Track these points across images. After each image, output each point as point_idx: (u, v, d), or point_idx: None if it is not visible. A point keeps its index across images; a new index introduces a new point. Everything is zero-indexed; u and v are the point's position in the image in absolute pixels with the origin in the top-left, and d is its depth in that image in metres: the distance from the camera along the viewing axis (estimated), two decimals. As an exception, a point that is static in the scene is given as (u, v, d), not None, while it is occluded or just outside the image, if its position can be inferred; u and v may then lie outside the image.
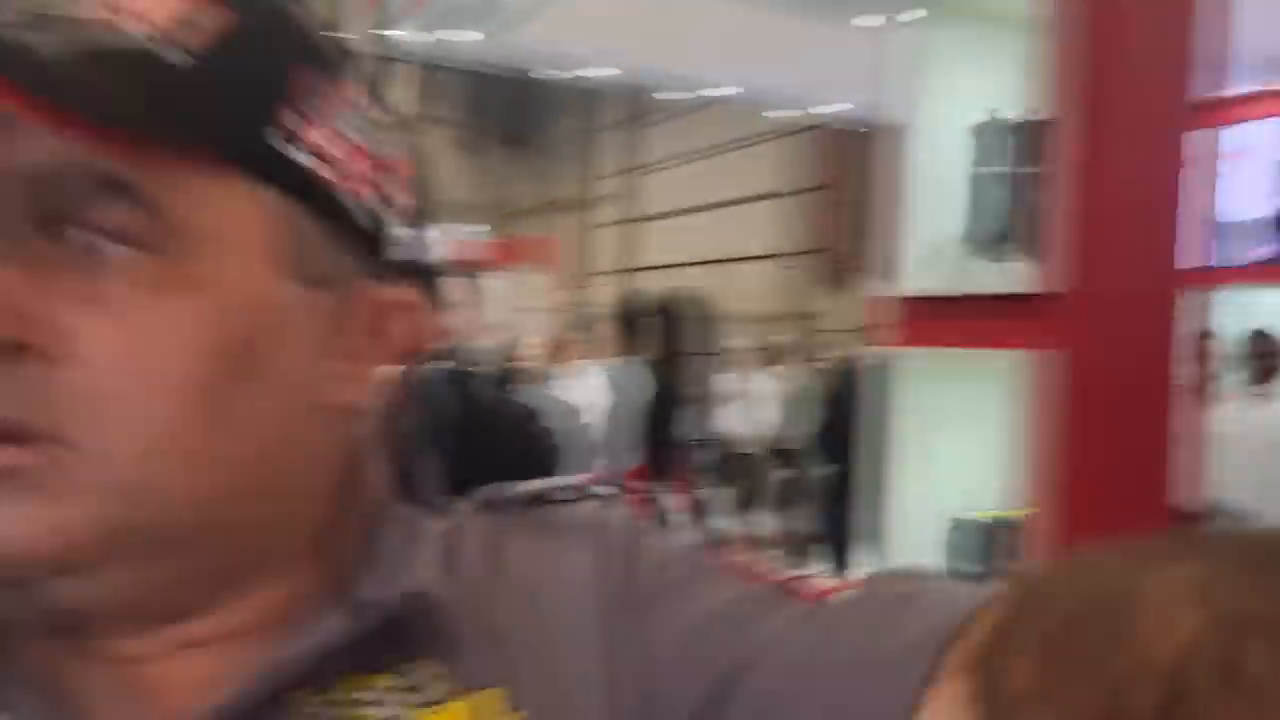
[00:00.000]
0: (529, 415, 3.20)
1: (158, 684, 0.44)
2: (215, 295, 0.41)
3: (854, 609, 0.46)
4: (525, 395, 3.39)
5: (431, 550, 0.48)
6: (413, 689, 0.45)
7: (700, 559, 0.51)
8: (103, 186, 0.39)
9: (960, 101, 2.12)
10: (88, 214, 0.39)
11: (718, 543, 0.66)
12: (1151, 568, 0.30)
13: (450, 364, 2.99)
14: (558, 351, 5.18)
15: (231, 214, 0.42)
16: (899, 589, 0.47)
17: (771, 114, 11.35)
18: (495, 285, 13.81)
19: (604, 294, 17.30)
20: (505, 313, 12.13)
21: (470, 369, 3.22)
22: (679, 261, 15.68)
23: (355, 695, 0.44)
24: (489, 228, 16.82)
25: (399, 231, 0.47)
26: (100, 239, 0.39)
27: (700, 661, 0.46)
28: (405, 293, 0.47)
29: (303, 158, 0.43)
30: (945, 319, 2.07)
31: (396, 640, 0.45)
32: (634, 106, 17.21)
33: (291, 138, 0.43)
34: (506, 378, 3.64)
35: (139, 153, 0.38)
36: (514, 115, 19.51)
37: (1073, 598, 0.30)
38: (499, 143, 20.15)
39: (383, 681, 0.45)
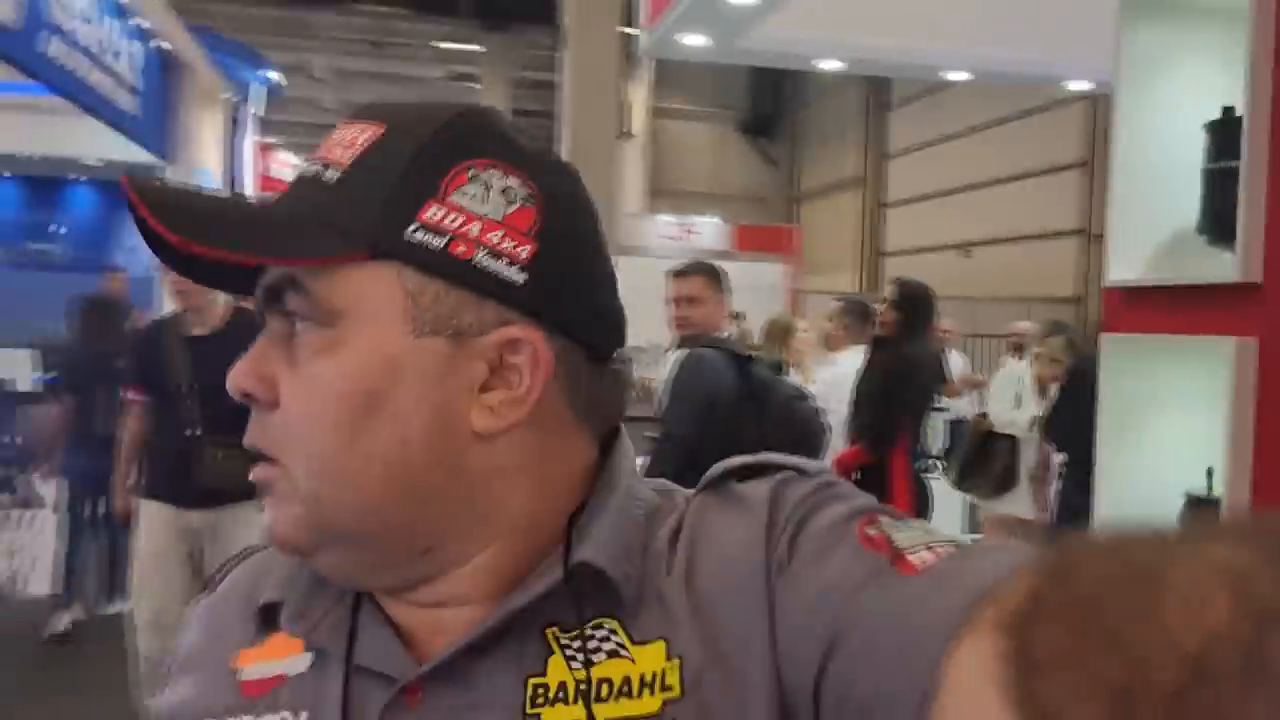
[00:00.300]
0: (799, 395, 3.41)
1: (434, 627, 0.59)
2: (350, 354, 0.56)
3: (924, 577, 0.49)
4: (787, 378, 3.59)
5: (627, 524, 0.59)
6: (602, 640, 0.55)
7: (845, 531, 0.54)
8: (291, 284, 0.57)
9: (1192, 93, 2.11)
10: (286, 303, 0.58)
11: (880, 512, 0.66)
12: (1185, 550, 0.30)
13: (726, 348, 3.27)
14: (798, 337, 5.33)
15: (370, 292, 0.57)
16: (967, 554, 0.50)
17: (1020, 90, 10.89)
18: (739, 272, 14.03)
19: (850, 280, 17.17)
20: (750, 299, 12.32)
21: (746, 353, 3.46)
22: (929, 245, 15.30)
23: (566, 640, 0.56)
24: (732, 215, 17.08)
25: (520, 276, 0.58)
26: (292, 318, 0.58)
27: (815, 628, 0.51)
28: (524, 330, 0.58)
29: (435, 240, 0.57)
30: (1174, 306, 2.09)
31: (590, 598, 0.56)
32: (879, 91, 16.89)
33: (425, 228, 0.57)
34: (778, 362, 3.83)
35: (317, 263, 0.57)
36: (759, 104, 19.64)
37: (1105, 570, 0.31)
38: (743, 132, 20.35)
39: (586, 632, 0.56)
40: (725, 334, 3.42)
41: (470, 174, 0.58)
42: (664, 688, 0.53)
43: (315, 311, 0.56)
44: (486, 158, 0.59)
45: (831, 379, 4.63)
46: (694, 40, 5.77)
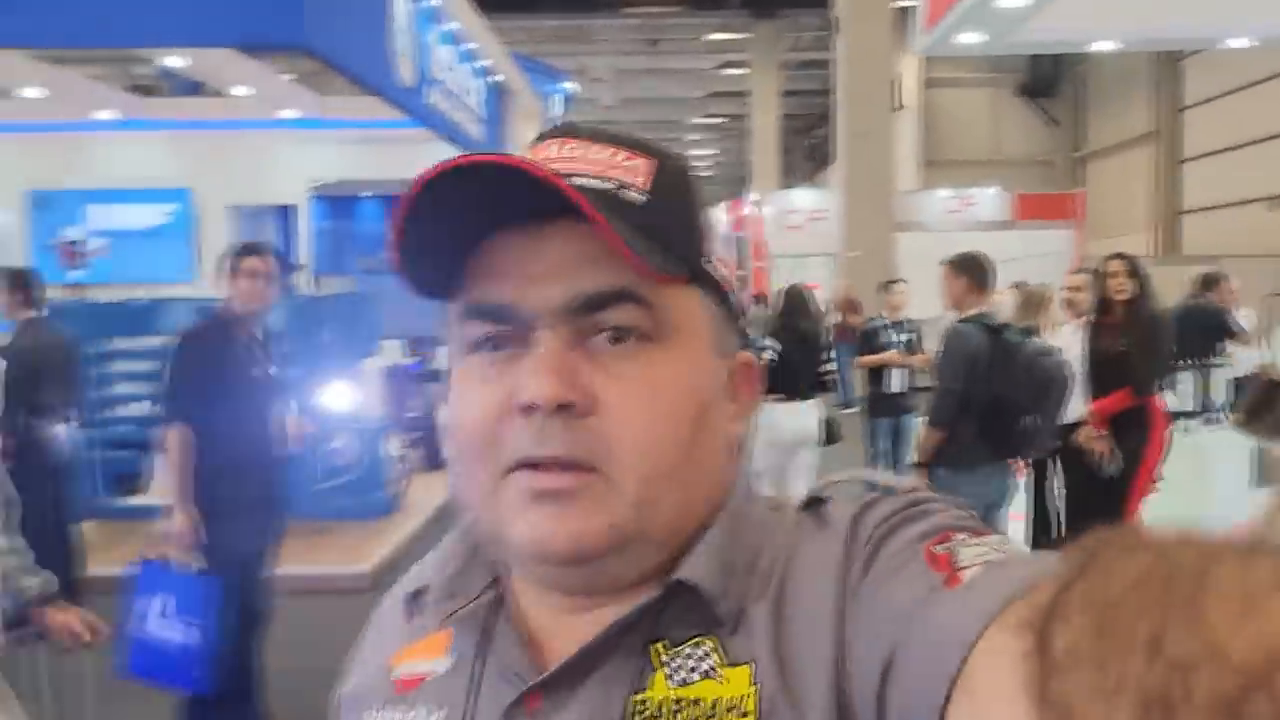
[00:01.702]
0: (1043, 352, 4.24)
1: (564, 631, 0.62)
2: (689, 368, 0.61)
3: (964, 586, 0.50)
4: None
5: (735, 544, 0.62)
6: (700, 659, 0.58)
7: (914, 552, 0.55)
8: (625, 298, 0.60)
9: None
10: (612, 314, 0.60)
11: (957, 529, 0.50)
12: (1227, 557, 0.30)
13: (980, 321, 4.20)
14: (1046, 304, 5.93)
15: (692, 313, 0.63)
16: (1010, 562, 0.52)
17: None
18: (1021, 241, 14.16)
19: (1144, 241, 16.67)
20: (1033, 268, 12.49)
21: (1001, 322, 4.35)
22: (1232, 200, 14.65)
23: (667, 657, 0.59)
24: (1012, 182, 17.01)
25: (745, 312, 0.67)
26: (616, 330, 0.60)
27: (878, 650, 0.52)
28: (748, 355, 0.68)
29: (719, 273, 0.65)
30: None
31: (691, 615, 0.59)
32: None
33: (709, 257, 0.65)
34: (1027, 327, 4.62)
35: (644, 275, 0.59)
36: (1037, 63, 19.28)
37: (1139, 572, 0.31)
38: (1021, 94, 20.05)
39: (686, 649, 0.59)
40: (981, 309, 4.26)
41: (709, 216, 0.67)
42: (741, 713, 0.55)
43: (654, 326, 0.60)
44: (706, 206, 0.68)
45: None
46: (970, 38, 6.46)
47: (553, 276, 0.59)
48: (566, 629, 0.62)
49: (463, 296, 0.61)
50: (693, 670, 0.58)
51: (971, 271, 4.34)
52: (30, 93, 8.94)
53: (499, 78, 9.37)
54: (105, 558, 5.07)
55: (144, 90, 11.46)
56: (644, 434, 0.58)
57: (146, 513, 6.22)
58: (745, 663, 0.57)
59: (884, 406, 6.35)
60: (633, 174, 0.62)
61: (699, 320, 0.63)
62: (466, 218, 0.59)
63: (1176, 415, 5.86)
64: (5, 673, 2.14)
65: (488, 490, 0.60)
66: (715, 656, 0.58)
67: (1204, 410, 6.09)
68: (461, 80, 8.12)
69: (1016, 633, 0.35)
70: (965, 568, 0.51)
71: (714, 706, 0.56)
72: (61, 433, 4.56)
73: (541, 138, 0.65)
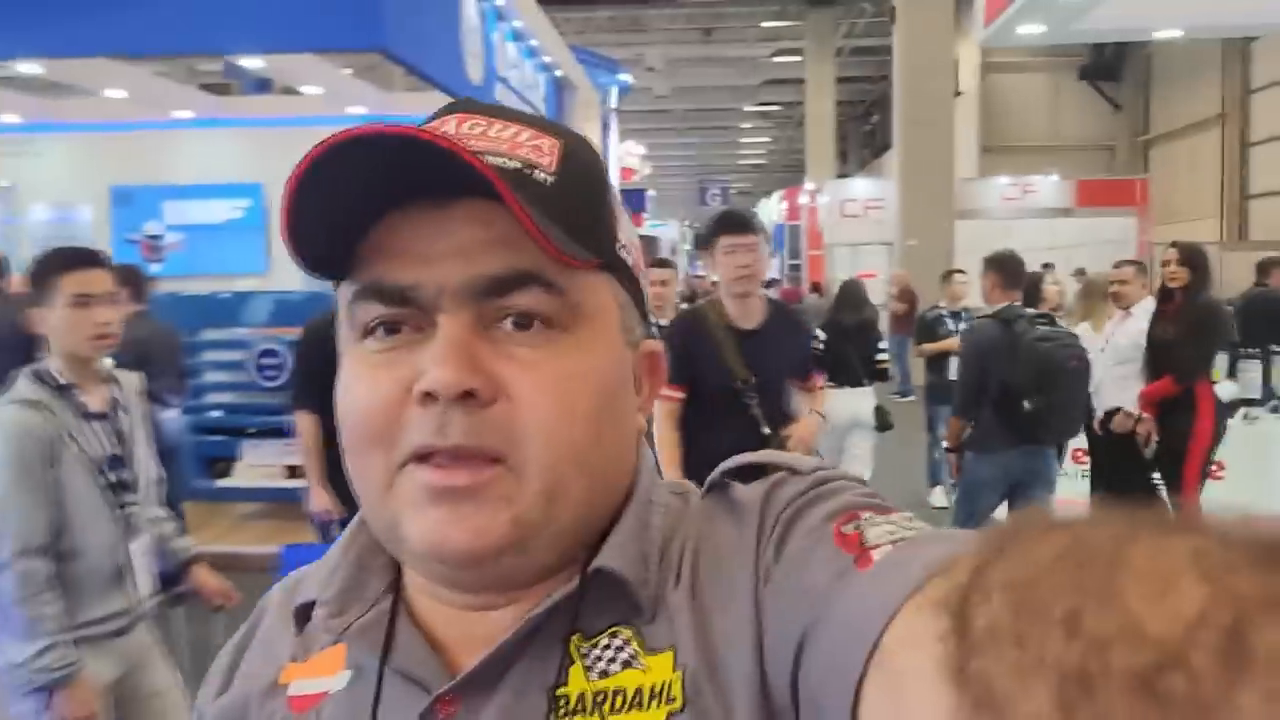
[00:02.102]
0: (1043, 339, 4.44)
1: (466, 633, 0.60)
2: (599, 355, 0.60)
3: (875, 568, 0.50)
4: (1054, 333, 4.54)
5: (647, 530, 0.61)
6: (618, 649, 0.58)
7: (824, 532, 0.55)
8: (533, 282, 0.57)
9: None
10: (518, 299, 0.57)
11: (863, 508, 0.50)
12: (1143, 536, 0.30)
13: (996, 315, 4.39)
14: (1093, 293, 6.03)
15: (602, 300, 0.61)
16: (922, 541, 0.51)
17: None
18: (1081, 229, 14.08)
19: (1212, 227, 16.44)
20: (1093, 256, 12.45)
21: (1020, 315, 4.53)
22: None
23: (585, 649, 0.58)
24: (1073, 167, 16.84)
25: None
26: (522, 315, 0.57)
27: (791, 633, 0.52)
28: (654, 344, 0.67)
29: (628, 258, 0.64)
30: None
31: (608, 608, 0.58)
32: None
33: (623, 246, 0.63)
34: (1035, 316, 4.76)
35: (558, 260, 0.56)
36: (1102, 52, 19.05)
37: (1055, 550, 0.31)
38: (1083, 77, 19.81)
39: (602, 640, 0.58)
40: (1010, 303, 4.58)
41: (618, 199, 0.66)
42: (668, 699, 0.55)
43: (563, 311, 0.58)
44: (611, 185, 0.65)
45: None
46: (1030, 29, 6.54)
47: (456, 257, 0.56)
48: (471, 628, 0.60)
49: (356, 276, 0.58)
50: (612, 661, 0.57)
51: (1002, 268, 4.64)
52: (113, 94, 9.35)
53: (560, 72, 9.60)
54: (200, 536, 5.39)
55: (211, 89, 11.84)
56: (552, 422, 0.56)
57: (235, 494, 6.58)
58: (666, 649, 0.57)
59: (944, 394, 6.47)
60: (539, 154, 0.60)
61: (608, 307, 0.61)
62: (361, 193, 0.55)
63: (1241, 403, 5.91)
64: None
65: (382, 484, 0.57)
66: (634, 645, 0.57)
67: (1269, 398, 6.11)
68: (525, 76, 8.36)
69: (932, 612, 0.35)
70: (874, 546, 0.51)
71: (637, 694, 0.55)
72: (171, 418, 4.88)
73: (440, 113, 0.63)
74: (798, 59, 22.68)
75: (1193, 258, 4.73)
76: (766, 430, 3.33)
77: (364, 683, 0.60)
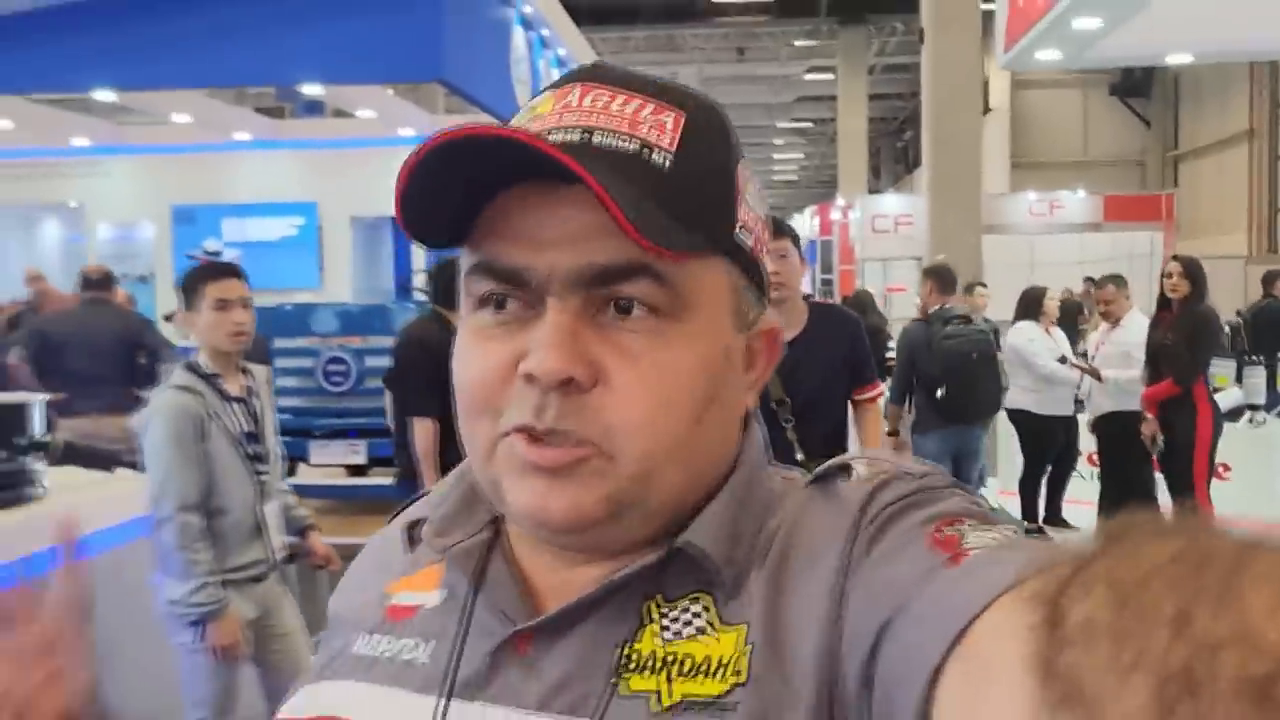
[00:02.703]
0: (948, 336, 5.30)
1: (557, 580, 0.63)
2: (705, 343, 0.60)
3: (964, 565, 0.50)
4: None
5: (744, 510, 0.62)
6: (692, 617, 0.59)
7: (920, 532, 0.55)
8: (641, 273, 0.57)
9: None
10: (626, 288, 0.58)
11: (968, 516, 0.51)
12: (1265, 549, 0.30)
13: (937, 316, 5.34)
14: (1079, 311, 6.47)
15: (711, 285, 0.61)
16: (1015, 544, 0.51)
17: None
18: (1109, 243, 14.35)
19: (1243, 241, 16.61)
20: (1121, 270, 12.70)
21: (940, 317, 5.37)
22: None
23: (661, 612, 0.60)
24: (1102, 183, 17.07)
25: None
26: (628, 304, 0.58)
27: (870, 624, 0.52)
28: (772, 322, 0.66)
29: (747, 241, 0.63)
30: None
31: (692, 577, 0.60)
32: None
33: (743, 228, 0.62)
34: (960, 315, 5.51)
35: (661, 256, 0.57)
36: (1131, 69, 19.29)
37: (1171, 553, 0.30)
38: (1113, 93, 20.07)
39: (681, 604, 0.60)
40: (944, 306, 5.51)
41: (748, 172, 0.64)
42: (734, 672, 0.56)
43: (669, 302, 0.58)
44: (742, 155, 0.64)
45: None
46: (1048, 55, 6.92)
47: (566, 244, 0.57)
48: (561, 579, 0.62)
49: (474, 250, 0.60)
50: (686, 625, 0.58)
51: (938, 276, 5.66)
52: (179, 119, 9.94)
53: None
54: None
55: (265, 112, 12.45)
56: (647, 414, 0.58)
57: (301, 491, 7.06)
58: (739, 624, 0.58)
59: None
60: (660, 131, 0.59)
61: (720, 294, 0.61)
62: (479, 173, 0.57)
63: (1246, 408, 6.25)
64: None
65: (486, 448, 0.60)
66: (709, 614, 0.59)
67: (1275, 404, 6.44)
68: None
69: (1026, 604, 0.34)
70: (971, 550, 0.51)
71: (705, 662, 0.57)
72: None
73: (566, 80, 0.63)
74: (830, 76, 23.09)
75: (1192, 271, 5.12)
76: (801, 457, 2.98)
77: (454, 605, 0.64)
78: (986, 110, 17.68)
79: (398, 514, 0.76)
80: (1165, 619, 0.28)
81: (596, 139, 0.58)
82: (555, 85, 0.63)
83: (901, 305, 14.72)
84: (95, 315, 5.18)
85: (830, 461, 0.64)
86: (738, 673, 0.56)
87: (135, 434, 2.64)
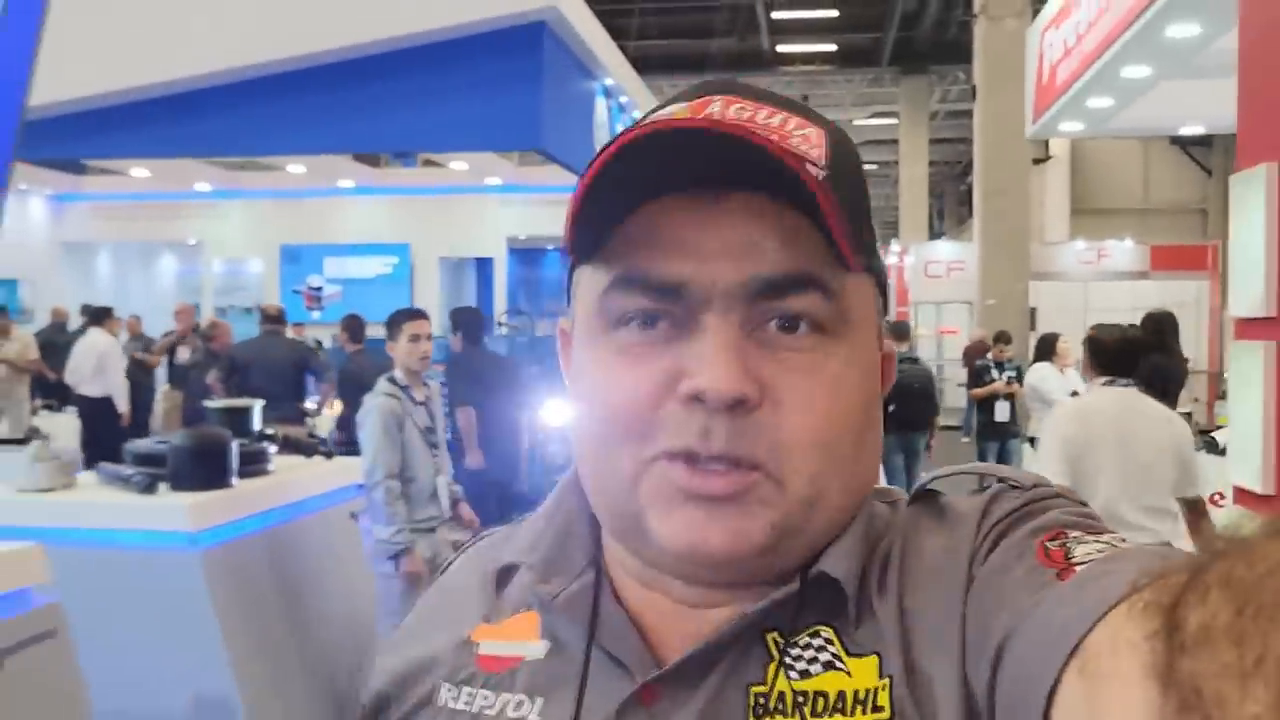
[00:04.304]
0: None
1: (672, 621, 0.61)
2: (863, 361, 0.59)
3: (1075, 579, 0.49)
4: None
5: (864, 539, 0.60)
6: (816, 652, 0.57)
7: (1027, 546, 0.54)
8: (809, 285, 0.56)
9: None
10: (792, 302, 0.56)
11: (1073, 527, 0.56)
12: None
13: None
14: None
15: (863, 302, 0.60)
16: (1124, 555, 0.49)
17: None
18: (1157, 291, 15.10)
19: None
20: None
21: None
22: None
23: (783, 646, 0.57)
24: (1163, 231, 17.73)
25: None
26: (791, 318, 0.56)
27: (988, 642, 0.51)
28: (891, 347, 0.66)
29: (881, 262, 0.64)
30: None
31: (814, 609, 0.58)
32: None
33: (875, 240, 0.63)
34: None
35: (832, 262, 0.56)
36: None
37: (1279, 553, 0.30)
38: (1176, 143, 20.76)
39: (803, 639, 0.57)
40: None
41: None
42: (875, 708, 0.54)
43: (834, 318, 0.57)
44: None
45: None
46: (1070, 126, 7.98)
47: (730, 255, 0.55)
48: (678, 616, 0.60)
49: (612, 264, 0.57)
50: (813, 661, 0.56)
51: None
52: (294, 169, 11.38)
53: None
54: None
55: (364, 160, 13.94)
56: (820, 431, 0.56)
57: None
58: (870, 654, 0.56)
59: (991, 431, 7.88)
60: (808, 144, 0.58)
61: (870, 311, 0.61)
62: (634, 181, 0.55)
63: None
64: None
65: (628, 477, 0.57)
66: (836, 646, 0.57)
67: None
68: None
69: (1142, 614, 0.34)
70: (1080, 563, 0.50)
71: (840, 699, 0.55)
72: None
73: (697, 92, 0.61)
74: (893, 121, 24.14)
75: (1158, 322, 6.14)
76: None
77: (566, 656, 0.61)
78: (1046, 158, 18.58)
79: (458, 555, 0.74)
80: None
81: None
82: (685, 97, 0.61)
83: (951, 346, 15.67)
84: (273, 344, 6.55)
85: (931, 476, 0.64)
86: (879, 709, 0.54)
87: (356, 424, 3.86)
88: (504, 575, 0.67)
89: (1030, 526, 0.56)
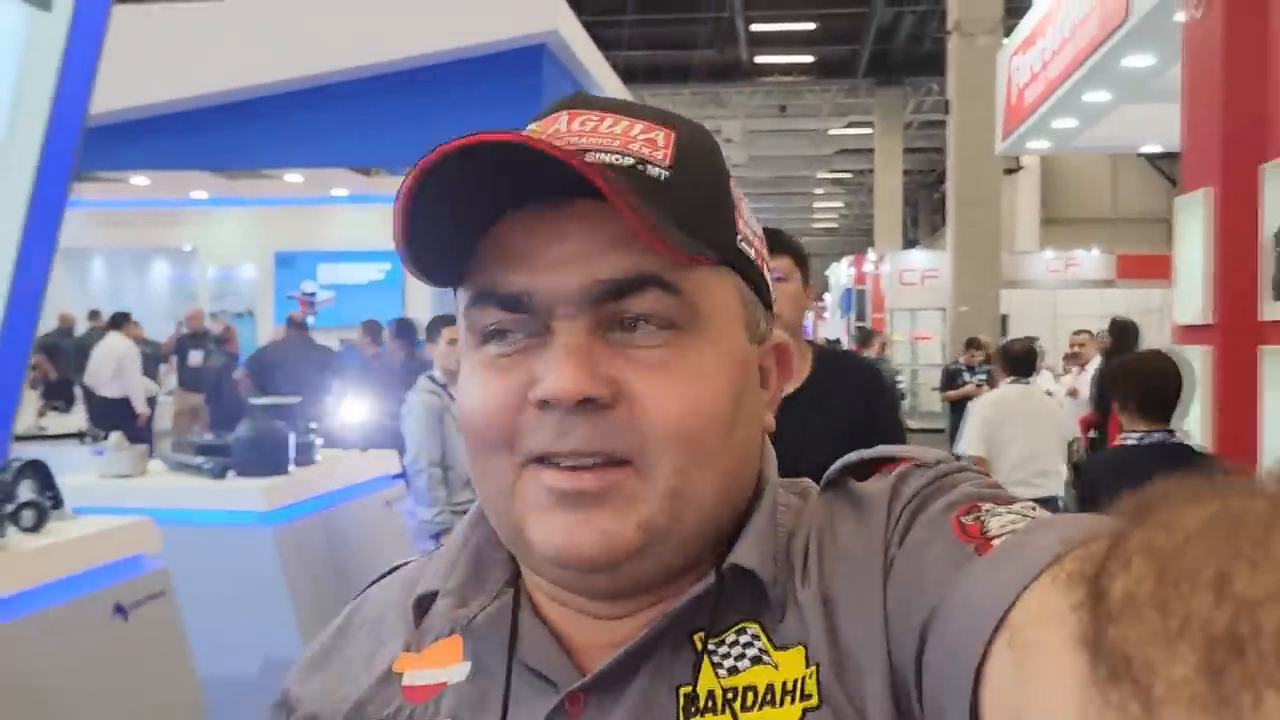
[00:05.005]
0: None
1: (590, 631, 0.62)
2: (722, 353, 0.60)
3: (995, 553, 0.50)
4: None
5: (770, 529, 0.61)
6: (744, 648, 0.58)
7: (943, 522, 0.55)
8: (651, 284, 0.57)
9: None
10: (636, 302, 0.57)
11: (984, 499, 0.57)
12: None
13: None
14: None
15: (721, 295, 0.60)
16: (1042, 525, 0.50)
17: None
18: (1123, 299, 15.76)
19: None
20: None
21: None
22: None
23: (712, 646, 0.58)
24: (1133, 240, 18.39)
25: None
26: (641, 319, 0.58)
27: (911, 624, 0.53)
28: (782, 338, 0.67)
29: (749, 251, 0.63)
30: None
31: (736, 606, 0.59)
32: None
33: (744, 239, 0.63)
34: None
35: (676, 261, 0.57)
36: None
37: (1204, 517, 0.31)
38: (1144, 155, 21.49)
39: (729, 637, 0.59)
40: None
41: (738, 191, 0.64)
42: (804, 696, 0.55)
43: (682, 312, 0.58)
44: (730, 174, 0.64)
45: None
46: (1037, 144, 8.55)
47: (571, 262, 0.57)
48: (597, 632, 0.62)
49: (472, 282, 0.59)
50: (740, 657, 0.58)
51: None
52: (292, 178, 11.78)
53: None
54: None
55: (357, 169, 14.35)
56: (679, 421, 0.57)
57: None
58: (796, 645, 0.57)
59: (964, 432, 8.46)
60: (652, 147, 0.59)
61: (730, 304, 0.61)
62: (473, 199, 0.56)
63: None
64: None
65: (505, 486, 0.59)
66: (763, 641, 0.58)
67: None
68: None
69: (1065, 585, 0.35)
70: (995, 536, 0.51)
71: (769, 691, 0.56)
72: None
73: (550, 110, 0.63)
74: (868, 131, 24.79)
75: (1120, 330, 6.77)
76: None
77: (488, 676, 0.62)
78: (1018, 168, 19.23)
79: (367, 589, 0.74)
80: (1206, 583, 0.29)
81: (589, 158, 0.56)
82: (540, 115, 0.63)
83: (926, 352, 16.26)
84: (298, 346, 7.03)
85: (839, 463, 0.65)
86: (807, 696, 0.55)
87: (401, 417, 4.35)
88: (421, 604, 0.67)
89: (943, 502, 0.57)
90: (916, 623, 0.52)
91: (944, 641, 0.49)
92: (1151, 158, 21.62)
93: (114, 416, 7.90)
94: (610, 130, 0.60)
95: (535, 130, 0.61)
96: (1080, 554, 0.37)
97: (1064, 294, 16.29)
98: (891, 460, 0.64)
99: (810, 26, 20.23)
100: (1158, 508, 0.33)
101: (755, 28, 19.99)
